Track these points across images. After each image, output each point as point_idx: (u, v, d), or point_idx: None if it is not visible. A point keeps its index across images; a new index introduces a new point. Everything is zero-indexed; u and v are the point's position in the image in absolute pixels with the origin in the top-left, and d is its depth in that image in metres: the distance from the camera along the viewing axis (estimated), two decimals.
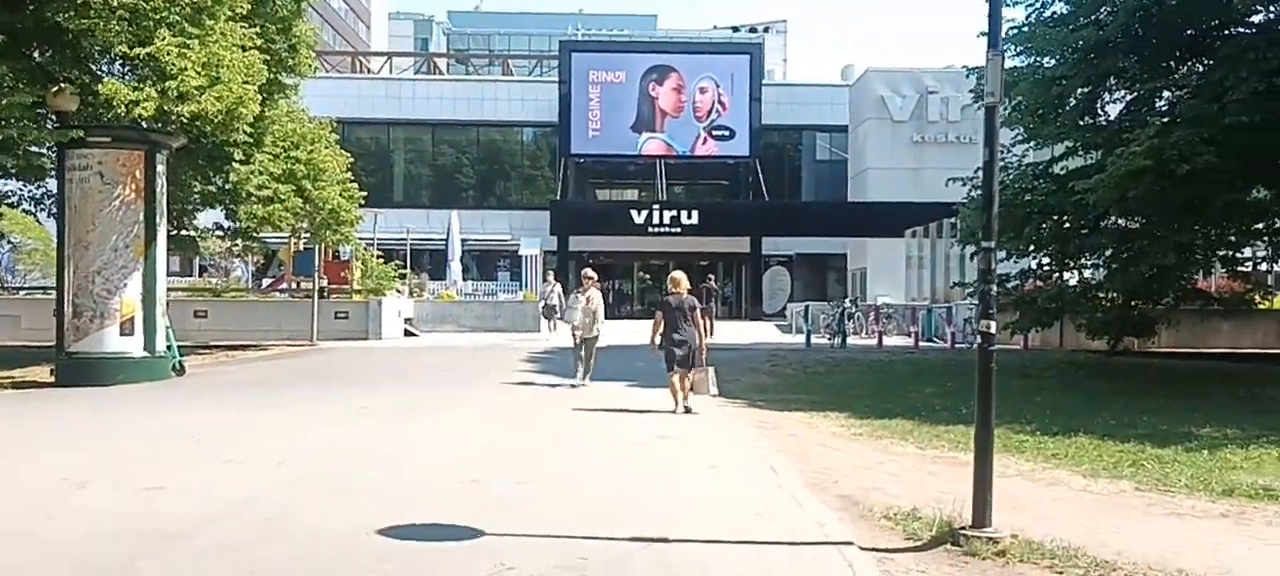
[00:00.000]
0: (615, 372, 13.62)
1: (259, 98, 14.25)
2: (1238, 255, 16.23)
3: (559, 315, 21.64)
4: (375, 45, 75.45)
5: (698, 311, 10.40)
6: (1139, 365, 16.30)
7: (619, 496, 6.21)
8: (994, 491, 5.23)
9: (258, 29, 15.29)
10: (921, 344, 22.26)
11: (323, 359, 18.13)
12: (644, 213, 32.49)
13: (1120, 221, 14.56)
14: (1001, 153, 9.67)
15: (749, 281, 37.05)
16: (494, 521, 5.32)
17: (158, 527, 5.26)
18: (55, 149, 13.55)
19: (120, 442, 8.56)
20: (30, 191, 17.34)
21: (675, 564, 4.68)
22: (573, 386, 12.28)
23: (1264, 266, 19.09)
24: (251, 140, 15.72)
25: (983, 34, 14.17)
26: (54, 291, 14.32)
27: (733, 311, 35.60)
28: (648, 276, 40.11)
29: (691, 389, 10.19)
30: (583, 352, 12.51)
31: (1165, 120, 12.57)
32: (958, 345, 20.98)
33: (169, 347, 14.05)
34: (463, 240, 31.26)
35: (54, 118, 13.49)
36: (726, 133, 36.51)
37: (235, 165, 16.55)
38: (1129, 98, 14.78)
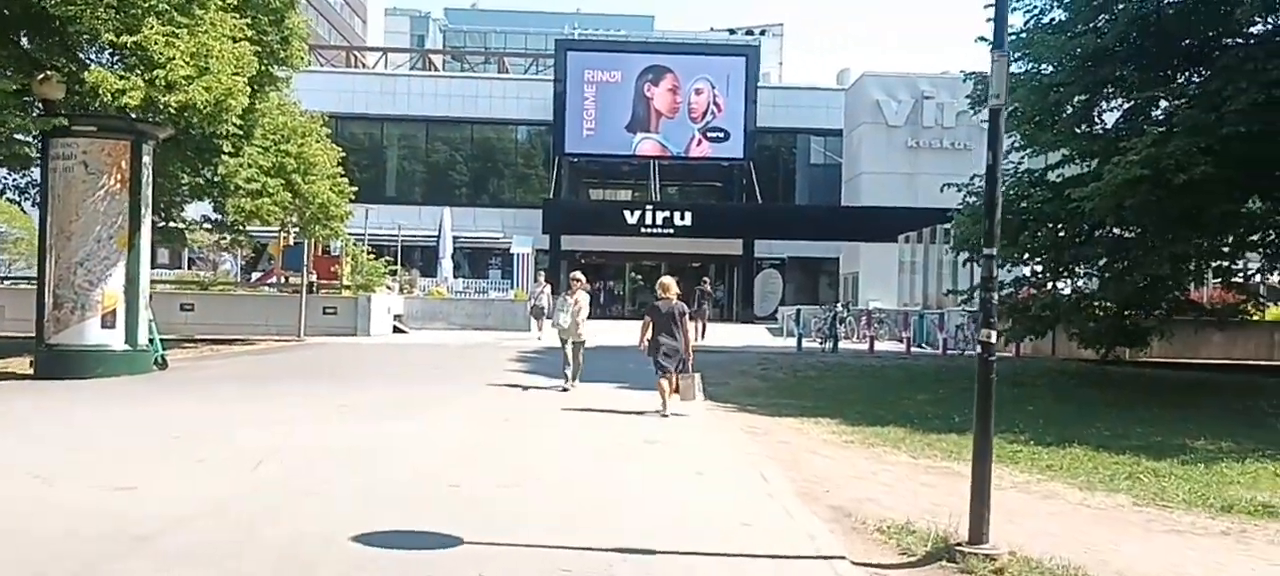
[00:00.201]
0: (605, 374, 13.49)
1: (249, 89, 14.01)
2: (1232, 266, 16.14)
3: (548, 316, 21.49)
4: (371, 41, 75.24)
5: (686, 317, 10.36)
6: (1131, 375, 16.23)
7: (604, 504, 6.05)
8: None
9: (249, 20, 15.02)
10: (913, 349, 22.16)
11: (309, 354, 17.93)
12: (637, 213, 32.34)
13: (1115, 230, 14.47)
14: None
15: (741, 284, 36.97)
16: (474, 528, 5.16)
17: (125, 529, 5.08)
18: (40, 137, 13.32)
19: (94, 438, 8.35)
20: (15, 180, 17.02)
21: None
22: (562, 389, 12.14)
23: (1257, 278, 19.00)
24: (241, 132, 15.47)
25: (981, 39, 14.22)
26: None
27: (724, 314, 35.48)
28: (640, 277, 39.98)
29: (680, 398, 10.14)
30: (570, 355, 12.38)
31: (1162, 129, 12.48)
32: (949, 351, 20.90)
33: (151, 341, 13.85)
34: (454, 237, 31.07)
35: (40, 105, 13.27)
36: (721, 134, 36.38)
37: (224, 157, 16.36)
38: (1126, 106, 14.69)
